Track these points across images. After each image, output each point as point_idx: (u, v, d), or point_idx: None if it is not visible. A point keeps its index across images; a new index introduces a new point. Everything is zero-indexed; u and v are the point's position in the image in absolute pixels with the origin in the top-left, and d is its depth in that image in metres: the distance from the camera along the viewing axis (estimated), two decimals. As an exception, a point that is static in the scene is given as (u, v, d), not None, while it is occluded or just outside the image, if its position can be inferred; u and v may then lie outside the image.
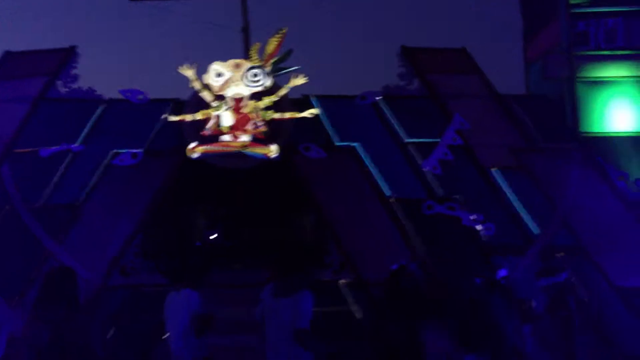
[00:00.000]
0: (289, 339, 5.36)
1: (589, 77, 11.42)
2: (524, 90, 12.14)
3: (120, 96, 8.58)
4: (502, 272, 6.90)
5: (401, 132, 8.90)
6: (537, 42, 12.95)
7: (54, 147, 8.30)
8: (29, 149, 8.36)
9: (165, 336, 7.83)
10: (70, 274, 4.93)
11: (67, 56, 9.17)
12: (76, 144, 8.53)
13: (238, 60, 8.30)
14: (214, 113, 8.13)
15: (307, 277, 5.72)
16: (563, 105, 11.25)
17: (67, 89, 10.55)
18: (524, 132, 8.92)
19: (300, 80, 8.24)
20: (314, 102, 8.66)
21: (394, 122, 8.93)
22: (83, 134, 8.71)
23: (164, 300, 6.34)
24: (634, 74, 11.34)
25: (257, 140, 8.15)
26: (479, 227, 8.23)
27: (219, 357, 6.41)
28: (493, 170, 8.70)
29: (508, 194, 8.59)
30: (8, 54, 9.04)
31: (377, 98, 8.98)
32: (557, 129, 9.23)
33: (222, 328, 6.56)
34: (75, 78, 11.02)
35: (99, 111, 8.85)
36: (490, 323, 4.90)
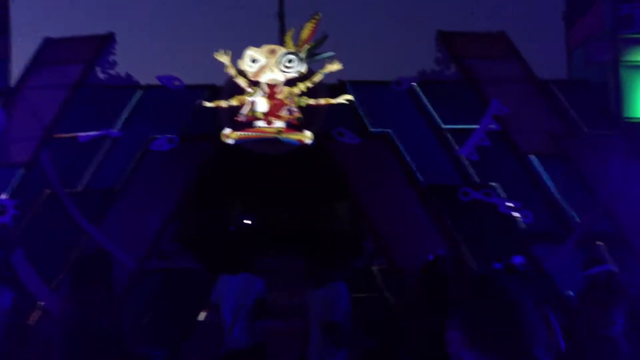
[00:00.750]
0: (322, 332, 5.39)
1: (634, 61, 11.04)
2: (566, 76, 11.80)
3: (157, 82, 8.66)
4: (518, 259, 6.74)
5: (437, 118, 8.78)
6: (579, 26, 12.58)
7: (92, 133, 8.43)
8: (69, 134, 8.52)
9: (201, 317, 7.96)
10: (105, 258, 5.00)
11: (105, 42, 9.29)
12: (114, 130, 8.65)
13: (273, 46, 8.27)
14: (249, 99, 8.14)
15: (344, 268, 5.70)
16: (606, 91, 10.91)
17: (105, 75, 10.71)
18: (565, 118, 8.71)
19: (334, 66, 8.18)
20: (348, 88, 8.59)
21: (429, 107, 8.81)
22: (121, 120, 8.83)
23: (199, 284, 6.43)
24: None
25: (292, 126, 8.14)
26: (516, 215, 8.09)
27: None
28: (531, 156, 8.52)
29: (547, 181, 8.41)
30: (48, 40, 9.21)
31: (413, 83, 8.86)
32: (599, 115, 8.97)
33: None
34: (113, 64, 11.19)
35: (136, 97, 8.95)
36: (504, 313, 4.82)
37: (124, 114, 8.91)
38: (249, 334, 5.94)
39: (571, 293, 7.58)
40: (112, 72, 11.25)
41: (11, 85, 9.35)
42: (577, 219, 8.25)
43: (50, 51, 9.11)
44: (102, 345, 4.42)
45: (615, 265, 6.49)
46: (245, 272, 6.01)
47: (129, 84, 11.51)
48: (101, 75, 10.25)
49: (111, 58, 10.55)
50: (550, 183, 8.41)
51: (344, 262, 5.74)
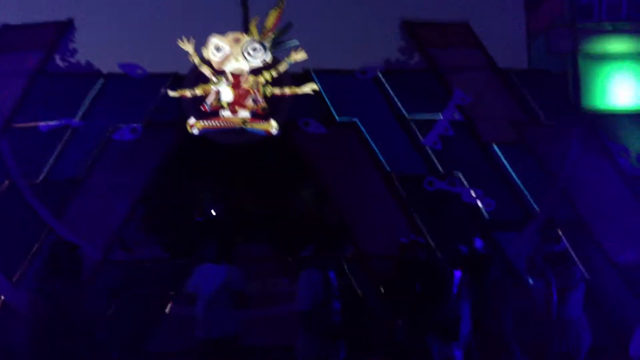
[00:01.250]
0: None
1: (592, 51, 11.30)
2: (526, 65, 12.04)
3: (119, 70, 8.51)
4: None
5: (401, 108, 8.85)
6: (539, 15, 12.81)
7: (53, 122, 8.26)
8: (29, 124, 8.32)
9: (168, 309, 7.92)
10: (74, 248, 4.96)
11: (65, 29, 9.06)
12: (76, 119, 8.47)
13: (237, 34, 8.20)
14: (214, 88, 8.07)
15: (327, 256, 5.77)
16: (565, 80, 11.17)
17: (65, 63, 10.45)
18: (526, 107, 8.87)
19: (300, 55, 8.16)
20: (314, 77, 8.58)
21: (394, 96, 8.86)
22: (82, 109, 8.65)
23: (164, 274, 6.42)
24: (638, 49, 11.22)
25: (257, 115, 8.10)
26: (479, 203, 8.24)
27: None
28: (494, 145, 8.67)
29: (509, 170, 8.58)
30: (5, 26, 8.95)
31: (378, 72, 8.90)
32: (559, 104, 9.15)
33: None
34: (73, 52, 10.91)
35: (98, 85, 8.77)
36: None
37: (85, 103, 8.73)
38: (224, 323, 5.96)
39: (530, 280, 7.79)
40: (72, 60, 10.99)
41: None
42: (537, 207, 8.44)
43: (8, 37, 8.86)
44: (72, 334, 4.40)
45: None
46: (221, 261, 6.05)
47: (90, 72, 11.27)
48: (61, 63, 9.98)
49: (71, 45, 10.28)
50: (511, 171, 8.58)
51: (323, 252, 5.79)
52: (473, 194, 8.21)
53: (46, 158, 8.49)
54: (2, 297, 7.35)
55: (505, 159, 8.60)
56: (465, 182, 8.44)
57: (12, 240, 7.79)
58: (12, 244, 7.72)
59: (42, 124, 8.24)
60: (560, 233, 6.60)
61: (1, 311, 7.65)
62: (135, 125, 8.28)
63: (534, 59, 12.66)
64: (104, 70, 9.18)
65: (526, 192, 8.51)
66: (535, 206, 8.46)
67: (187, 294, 6.23)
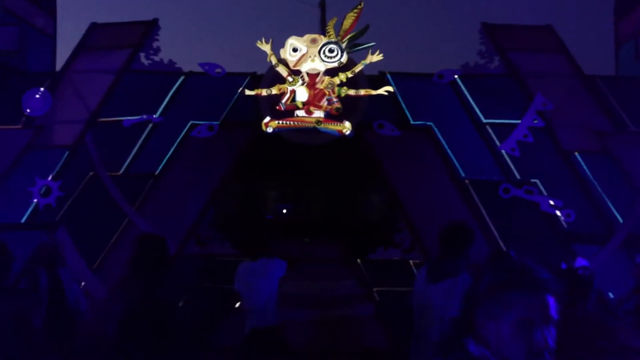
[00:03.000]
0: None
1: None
2: (614, 72, 11.48)
3: (199, 69, 8.74)
4: (581, 262, 6.59)
5: (479, 112, 8.64)
6: (629, 20, 12.21)
7: (135, 117, 8.57)
8: (113, 119, 8.67)
9: (238, 304, 8.05)
10: (161, 239, 5.15)
11: (150, 29, 9.40)
12: (156, 115, 8.76)
13: (314, 36, 8.25)
14: (289, 88, 8.15)
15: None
16: (655, 88, 10.60)
17: (149, 61, 10.85)
18: (612, 115, 8.47)
19: (376, 57, 8.11)
20: (389, 80, 8.51)
21: (472, 101, 8.67)
22: (163, 105, 8.94)
23: (235, 269, 6.54)
24: None
25: (331, 116, 8.12)
26: (558, 213, 7.92)
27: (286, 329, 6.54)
28: (576, 154, 8.33)
29: (591, 180, 8.21)
30: (94, 25, 9.37)
31: (455, 76, 8.73)
32: (647, 112, 8.69)
33: (290, 301, 6.67)
34: (156, 50, 11.32)
35: (178, 83, 9.05)
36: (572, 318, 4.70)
37: (166, 100, 9.02)
38: (273, 314, 6.07)
39: (612, 295, 7.42)
40: (155, 58, 11.39)
41: (57, 69, 9.56)
42: (621, 220, 8.04)
43: (96, 36, 9.27)
44: (147, 324, 4.55)
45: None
46: (266, 256, 6.19)
47: (171, 71, 11.64)
48: (145, 61, 10.36)
49: (155, 44, 10.65)
50: (594, 182, 8.21)
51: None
52: (552, 204, 7.90)
53: (128, 152, 8.83)
54: (84, 284, 7.66)
55: (588, 168, 8.24)
56: (543, 191, 8.14)
57: (94, 230, 8.13)
58: (93, 232, 8.05)
59: (125, 119, 8.56)
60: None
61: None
62: (212, 122, 8.47)
63: (623, 65, 12.07)
64: (185, 69, 9.46)
65: (609, 204, 8.12)
66: (619, 219, 8.05)
67: (234, 292, 6.38)
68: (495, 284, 2.08)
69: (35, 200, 8.24)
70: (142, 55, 9.77)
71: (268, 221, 11.89)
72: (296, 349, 7.14)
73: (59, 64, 9.56)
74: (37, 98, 8.41)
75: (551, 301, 2.02)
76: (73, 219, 8.31)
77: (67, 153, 8.63)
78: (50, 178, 8.34)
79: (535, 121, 8.17)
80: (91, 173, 8.60)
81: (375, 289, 9.05)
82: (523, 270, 2.12)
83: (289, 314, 6.66)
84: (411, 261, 8.92)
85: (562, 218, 7.94)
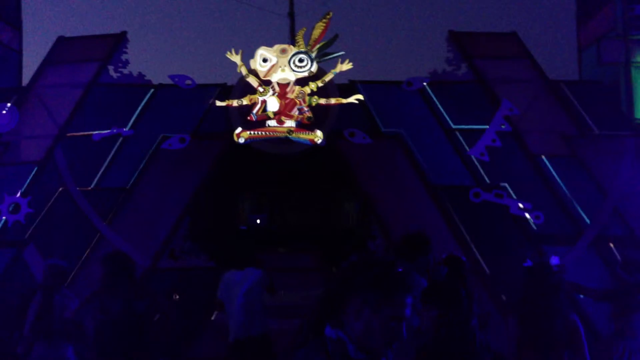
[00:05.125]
0: None
1: (646, 62, 10.99)
2: (577, 76, 11.77)
3: (169, 81, 8.71)
4: (555, 260, 6.72)
5: (448, 118, 8.78)
6: (591, 26, 12.54)
7: (105, 131, 8.49)
8: (82, 133, 8.59)
9: (214, 315, 8.03)
10: (126, 256, 5.15)
11: (118, 41, 9.34)
12: (126, 128, 8.70)
13: (284, 46, 8.30)
14: (260, 98, 8.18)
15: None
16: (617, 92, 10.88)
17: (117, 74, 10.74)
18: (576, 119, 8.68)
19: (346, 66, 8.19)
20: (359, 88, 8.60)
21: (440, 108, 8.80)
22: (133, 118, 8.88)
23: (210, 282, 6.54)
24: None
25: (303, 125, 8.16)
26: (527, 216, 8.08)
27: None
28: (543, 157, 8.50)
29: (558, 183, 8.39)
30: (61, 39, 9.28)
31: (424, 84, 8.86)
32: (610, 116, 8.92)
33: (269, 312, 6.66)
34: (125, 63, 11.21)
35: (148, 96, 9.00)
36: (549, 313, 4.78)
37: (136, 113, 8.96)
38: (251, 325, 6.07)
39: (581, 296, 7.58)
40: (124, 71, 11.28)
41: (24, 83, 9.44)
42: (588, 221, 8.23)
43: (64, 50, 9.18)
44: (126, 336, 4.53)
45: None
46: (244, 267, 6.21)
47: (141, 83, 11.55)
48: (114, 74, 10.27)
49: (124, 57, 10.57)
50: (561, 184, 8.39)
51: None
52: (521, 207, 8.05)
53: (98, 166, 8.74)
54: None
55: (555, 171, 8.42)
56: (513, 195, 8.29)
57: (65, 245, 8.02)
58: (64, 248, 7.94)
59: (94, 133, 8.48)
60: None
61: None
62: (183, 135, 8.45)
63: (586, 70, 12.38)
64: (155, 81, 9.40)
65: (577, 206, 8.30)
66: (586, 220, 8.24)
67: (217, 302, 6.37)
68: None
69: (3, 217, 8.10)
70: (110, 68, 9.69)
71: (242, 232, 11.87)
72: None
73: (26, 79, 9.45)
74: (4, 114, 8.29)
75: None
76: (43, 236, 8.20)
77: (35, 169, 8.52)
78: (19, 194, 8.22)
79: (503, 126, 8.33)
80: (61, 188, 8.49)
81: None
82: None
83: (270, 325, 6.65)
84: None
85: (532, 220, 8.10)
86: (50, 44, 9.22)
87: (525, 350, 5.13)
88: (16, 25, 9.99)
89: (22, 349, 5.60)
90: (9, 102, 8.44)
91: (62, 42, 9.26)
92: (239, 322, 6.15)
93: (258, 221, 11.85)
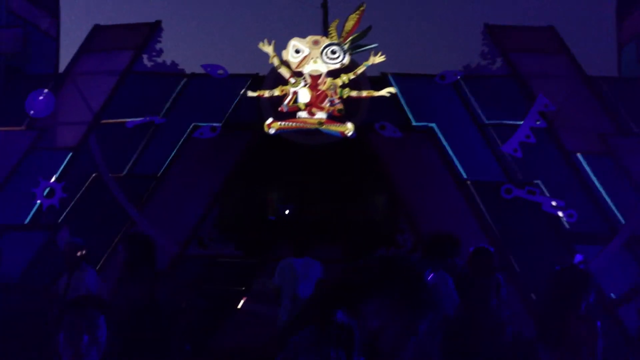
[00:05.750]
0: None
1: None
2: (616, 73, 11.47)
3: (201, 70, 8.76)
4: (579, 257, 6.61)
5: (481, 113, 8.65)
6: (631, 22, 12.19)
7: (138, 119, 8.59)
8: (116, 120, 8.70)
9: (240, 305, 8.09)
10: (148, 239, 5.18)
11: (153, 30, 9.42)
12: (159, 117, 8.78)
13: (317, 37, 8.27)
14: (292, 89, 8.17)
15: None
16: (657, 89, 10.58)
17: (151, 63, 10.87)
18: (614, 116, 8.47)
19: (378, 58, 8.13)
20: (391, 81, 8.53)
21: (474, 102, 8.68)
22: (166, 107, 8.96)
23: (237, 270, 6.59)
24: None
25: (334, 117, 8.14)
26: (560, 214, 7.93)
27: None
28: (578, 155, 8.33)
29: (593, 181, 8.21)
30: (97, 27, 9.39)
31: (457, 77, 8.74)
32: (650, 114, 8.68)
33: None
34: (159, 52, 11.33)
35: (181, 85, 9.07)
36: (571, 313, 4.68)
37: (169, 102, 9.04)
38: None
39: (613, 296, 7.43)
40: (158, 59, 11.42)
41: (60, 71, 9.58)
42: (623, 221, 8.04)
43: (99, 38, 9.29)
44: (151, 322, 4.57)
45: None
46: (303, 255, 6.32)
47: (174, 72, 11.67)
48: (148, 63, 10.40)
49: (158, 46, 10.69)
50: (596, 183, 8.21)
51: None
52: (554, 204, 7.90)
53: (131, 153, 8.85)
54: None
55: (590, 169, 8.24)
56: (545, 192, 8.15)
57: (97, 229, 8.16)
58: (96, 233, 8.08)
59: (128, 120, 8.58)
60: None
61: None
62: (215, 124, 8.49)
63: (625, 66, 12.06)
64: (188, 71, 9.47)
65: (612, 205, 8.11)
66: (621, 220, 8.05)
67: (273, 286, 6.43)
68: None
69: (38, 201, 8.26)
70: (145, 57, 9.83)
71: (270, 222, 11.92)
72: None
73: (62, 66, 9.58)
74: (41, 100, 8.44)
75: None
76: (76, 220, 8.34)
77: (70, 154, 8.66)
78: (53, 179, 8.37)
79: (538, 122, 8.17)
80: (94, 174, 8.63)
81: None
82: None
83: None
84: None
85: (565, 218, 7.94)
86: (86, 32, 9.35)
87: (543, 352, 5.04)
88: (54, 12, 10.13)
89: (51, 326, 5.71)
90: (45, 89, 8.58)
91: (98, 30, 9.37)
92: (296, 309, 6.20)
93: (287, 212, 11.87)
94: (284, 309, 6.31)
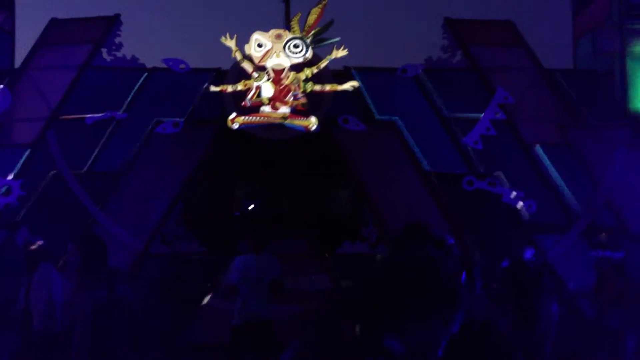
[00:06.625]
0: None
1: (641, 52, 10.97)
2: (572, 65, 11.75)
3: (163, 65, 8.65)
4: (529, 253, 6.74)
5: (442, 106, 8.77)
6: (586, 15, 12.48)
7: (98, 115, 8.44)
8: (75, 116, 8.53)
9: (205, 301, 8.03)
10: (98, 239, 5.12)
11: (112, 24, 9.25)
12: (120, 112, 8.64)
13: (279, 31, 8.25)
14: (255, 84, 8.14)
15: None
16: (612, 81, 10.87)
17: (111, 57, 10.64)
18: (571, 108, 8.69)
19: (341, 52, 8.16)
20: (354, 75, 8.57)
21: (435, 95, 8.79)
22: (126, 102, 8.82)
23: (202, 267, 6.52)
24: (689, 50, 10.85)
25: (297, 112, 8.14)
26: (520, 204, 8.10)
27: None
28: (537, 146, 8.52)
29: (551, 172, 8.41)
30: (54, 21, 9.18)
31: (419, 71, 8.83)
32: (605, 105, 8.94)
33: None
34: (119, 46, 11.10)
35: (142, 79, 8.93)
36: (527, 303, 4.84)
37: (130, 97, 8.90)
38: (262, 310, 6.08)
39: (572, 284, 7.63)
40: (118, 54, 11.19)
41: (17, 66, 9.34)
42: (581, 210, 8.26)
43: (56, 32, 9.08)
44: (113, 319, 4.53)
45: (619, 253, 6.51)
46: (261, 252, 6.23)
47: (134, 67, 11.47)
48: (107, 57, 10.17)
49: (117, 40, 10.47)
50: (554, 173, 8.41)
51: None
52: (514, 195, 8.08)
53: (91, 150, 8.69)
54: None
55: (549, 160, 8.44)
56: (506, 183, 8.31)
57: (57, 228, 8.00)
58: (56, 232, 7.92)
59: (87, 116, 8.42)
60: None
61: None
62: (177, 119, 8.40)
63: (581, 59, 12.35)
64: (148, 65, 9.32)
65: (570, 195, 8.33)
66: (578, 209, 8.27)
67: (229, 285, 6.35)
68: (455, 295, 2.24)
69: (-5, 199, 8.07)
70: (104, 51, 9.59)
71: (235, 217, 11.86)
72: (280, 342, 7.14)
73: (18, 61, 9.34)
74: (-4, 96, 8.22)
75: (459, 317, 2.25)
76: (35, 218, 8.16)
77: (28, 151, 8.47)
78: (11, 177, 8.18)
79: (497, 114, 8.33)
80: (53, 171, 8.45)
81: (343, 283, 9.12)
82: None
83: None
84: (378, 255, 9.01)
85: (524, 209, 8.12)
86: (43, 26, 9.13)
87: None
88: (8, 6, 9.86)
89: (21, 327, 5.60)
90: (1, 84, 8.36)
91: (55, 24, 9.17)
92: (253, 306, 6.12)
93: (251, 207, 11.84)
94: (244, 306, 6.19)
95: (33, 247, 6.19)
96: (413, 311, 2.16)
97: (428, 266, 2.27)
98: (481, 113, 8.34)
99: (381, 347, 2.16)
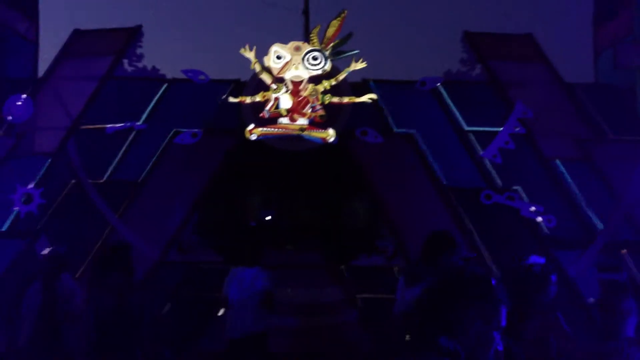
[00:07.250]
0: None
1: (663, 66, 10.85)
2: (593, 80, 11.67)
3: (182, 76, 8.73)
4: (533, 259, 6.64)
5: (461, 120, 8.74)
6: (608, 29, 12.40)
7: (118, 125, 8.53)
8: (95, 126, 8.63)
9: (220, 312, 8.04)
10: (126, 248, 5.14)
11: (133, 35, 9.37)
12: (139, 122, 8.73)
13: (298, 43, 8.29)
14: (273, 95, 8.18)
15: None
16: (633, 96, 10.77)
17: (132, 68, 10.79)
18: (591, 122, 8.60)
19: (359, 65, 8.18)
20: (373, 87, 8.58)
21: (454, 109, 8.76)
22: (146, 113, 8.91)
23: (219, 276, 6.55)
24: None
25: (315, 123, 8.16)
26: (539, 219, 8.02)
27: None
28: (557, 161, 8.44)
29: (571, 187, 8.33)
30: (77, 32, 9.32)
31: (438, 84, 8.82)
32: (626, 120, 8.84)
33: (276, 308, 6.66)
34: (140, 57, 11.26)
35: (162, 90, 9.03)
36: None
37: (149, 107, 8.99)
38: (250, 324, 6.08)
39: (592, 300, 7.52)
40: (138, 64, 11.34)
41: (39, 75, 9.49)
42: (601, 226, 8.16)
43: (79, 42, 9.22)
44: (120, 328, 4.54)
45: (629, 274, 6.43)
46: (255, 265, 6.21)
47: (155, 77, 11.61)
48: (128, 68, 10.33)
49: (138, 51, 10.62)
50: (574, 188, 8.33)
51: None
52: (533, 210, 8.00)
53: (110, 159, 8.79)
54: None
55: (569, 175, 8.36)
56: (525, 198, 8.24)
57: (76, 237, 8.07)
58: (76, 241, 8.00)
59: (108, 126, 8.52)
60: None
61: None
62: (195, 130, 8.46)
63: (601, 73, 12.26)
64: (168, 76, 9.42)
65: (589, 211, 8.23)
66: (598, 225, 8.17)
67: (222, 297, 6.38)
68: (492, 294, 2.38)
69: (16, 208, 8.16)
70: (125, 61, 9.74)
71: (251, 228, 11.88)
72: (281, 356, 7.14)
73: (41, 71, 9.48)
74: (19, 105, 8.34)
75: (503, 311, 2.39)
76: (55, 227, 8.25)
77: (49, 160, 8.57)
78: (32, 185, 8.28)
79: (517, 128, 8.27)
80: (73, 181, 8.54)
81: (359, 296, 9.08)
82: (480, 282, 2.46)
83: (274, 321, 6.65)
84: (395, 268, 8.97)
85: (543, 224, 8.04)
86: (66, 36, 9.27)
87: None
88: (32, 16, 10.02)
89: (22, 341, 5.61)
90: (24, 93, 8.49)
91: (77, 35, 9.30)
92: (246, 320, 6.14)
93: (268, 218, 11.86)
94: (236, 319, 6.18)
95: (53, 255, 6.24)
96: (462, 315, 2.30)
97: (485, 276, 2.43)
98: (500, 127, 8.28)
99: (438, 348, 2.26)
